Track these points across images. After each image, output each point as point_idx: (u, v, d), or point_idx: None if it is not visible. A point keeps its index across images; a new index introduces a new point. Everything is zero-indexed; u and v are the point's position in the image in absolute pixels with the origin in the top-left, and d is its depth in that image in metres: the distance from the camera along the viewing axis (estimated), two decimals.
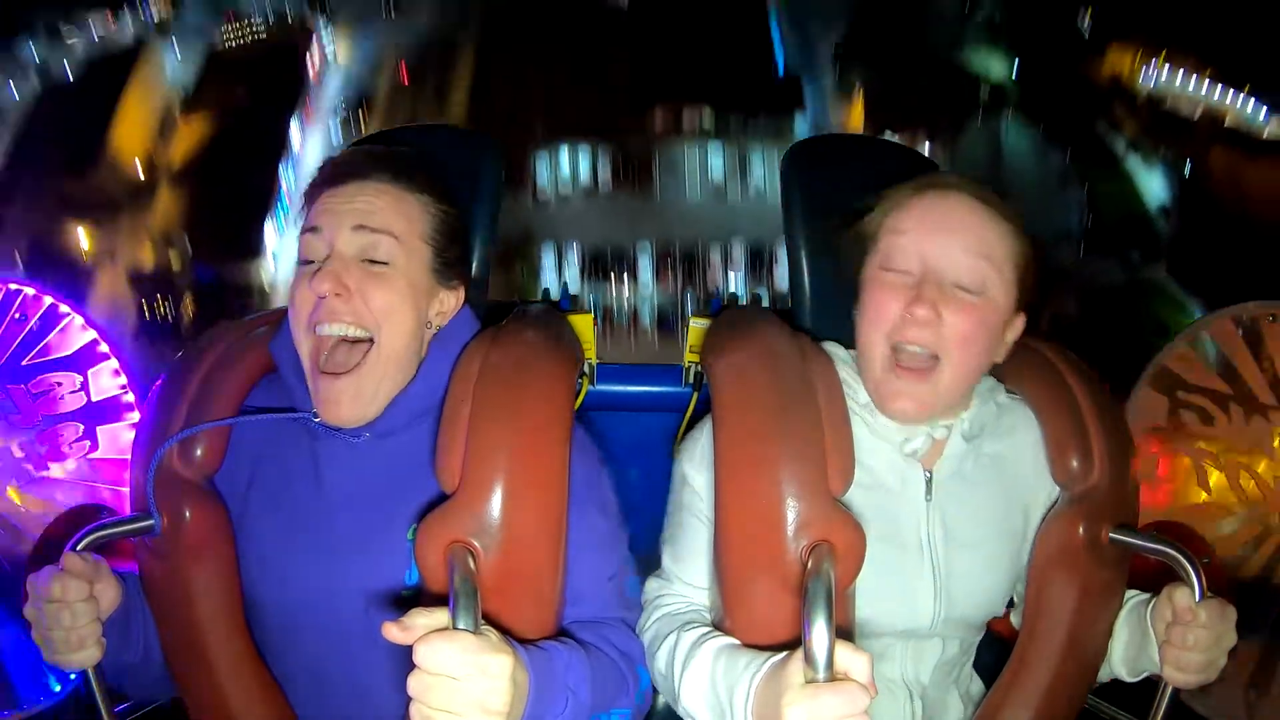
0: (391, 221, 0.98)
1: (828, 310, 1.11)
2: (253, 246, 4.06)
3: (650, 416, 1.45)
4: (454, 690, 0.71)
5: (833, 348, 1.06)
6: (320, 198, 0.99)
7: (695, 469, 1.01)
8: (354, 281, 0.95)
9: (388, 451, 0.99)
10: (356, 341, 0.97)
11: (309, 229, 0.98)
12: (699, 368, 1.36)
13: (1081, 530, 0.99)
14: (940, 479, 1.01)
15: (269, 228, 4.07)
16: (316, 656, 1.00)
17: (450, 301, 1.05)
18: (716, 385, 0.97)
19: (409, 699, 0.72)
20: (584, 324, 1.33)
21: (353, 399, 0.96)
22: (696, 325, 1.39)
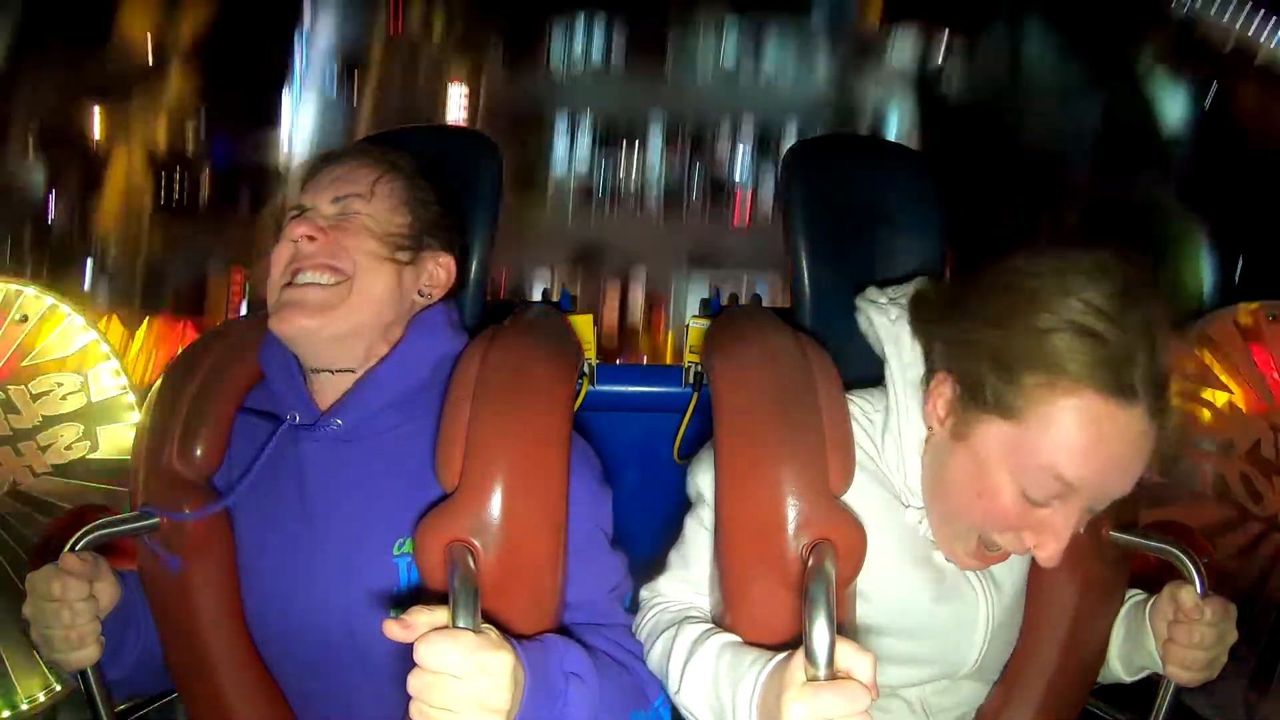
0: (366, 186, 1.01)
1: (828, 310, 1.11)
2: (270, 118, 4.02)
3: (650, 417, 1.44)
4: (454, 688, 0.71)
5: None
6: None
7: (709, 483, 0.97)
8: (328, 226, 0.98)
9: (369, 458, 0.98)
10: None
11: (294, 208, 1.02)
12: (699, 368, 1.36)
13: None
14: None
15: (285, 99, 4.07)
16: (301, 670, 1.00)
17: (440, 275, 1.05)
18: (716, 385, 0.96)
19: (408, 698, 0.72)
20: (584, 324, 1.32)
21: (315, 307, 0.95)
22: (696, 325, 1.39)
